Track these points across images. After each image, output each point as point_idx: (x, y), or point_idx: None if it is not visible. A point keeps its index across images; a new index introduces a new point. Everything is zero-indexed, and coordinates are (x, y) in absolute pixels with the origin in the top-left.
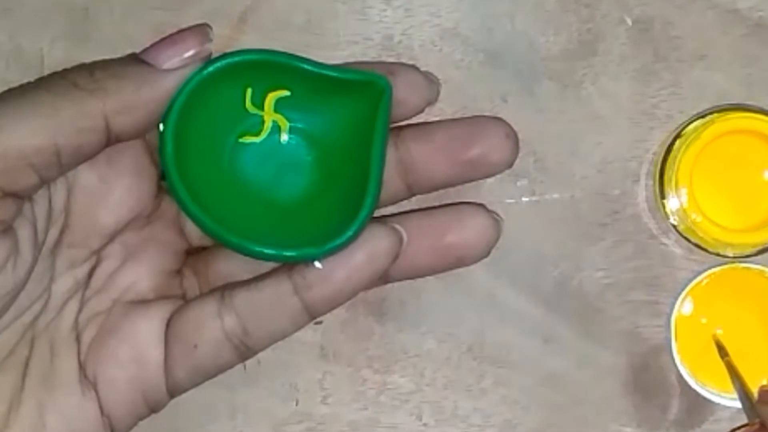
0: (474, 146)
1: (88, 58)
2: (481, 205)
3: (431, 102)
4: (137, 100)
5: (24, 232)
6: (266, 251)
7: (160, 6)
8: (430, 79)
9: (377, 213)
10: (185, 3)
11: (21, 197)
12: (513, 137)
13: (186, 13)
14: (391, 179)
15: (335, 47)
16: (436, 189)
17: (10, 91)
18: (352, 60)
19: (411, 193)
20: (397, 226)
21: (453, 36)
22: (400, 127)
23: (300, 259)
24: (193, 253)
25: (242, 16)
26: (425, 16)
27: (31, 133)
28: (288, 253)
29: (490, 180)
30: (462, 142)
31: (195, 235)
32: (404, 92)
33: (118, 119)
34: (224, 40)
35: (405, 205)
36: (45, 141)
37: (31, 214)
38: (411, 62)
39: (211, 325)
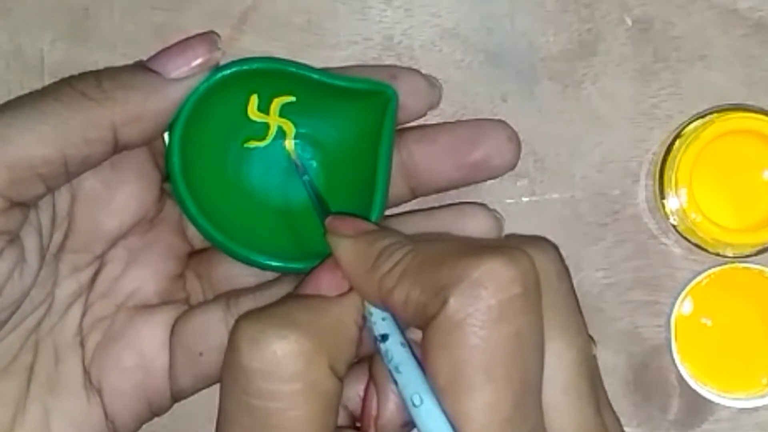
0: (476, 149)
1: (88, 58)
2: (482, 204)
3: (433, 106)
4: (145, 110)
5: (30, 241)
6: (273, 263)
7: (160, 6)
8: (432, 83)
9: None
10: (185, 3)
11: (27, 206)
12: (515, 140)
13: (186, 14)
14: (394, 182)
15: (335, 47)
16: (439, 191)
17: (18, 99)
18: (352, 60)
19: (414, 196)
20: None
21: (453, 36)
22: (403, 130)
23: (307, 271)
24: (195, 256)
25: (242, 16)
26: (425, 16)
27: (39, 144)
28: (295, 266)
29: (490, 180)
30: (464, 145)
31: (197, 238)
32: (406, 97)
33: (126, 129)
34: (224, 40)
35: (405, 205)
36: (53, 151)
37: (36, 221)
38: (411, 62)
39: (216, 333)
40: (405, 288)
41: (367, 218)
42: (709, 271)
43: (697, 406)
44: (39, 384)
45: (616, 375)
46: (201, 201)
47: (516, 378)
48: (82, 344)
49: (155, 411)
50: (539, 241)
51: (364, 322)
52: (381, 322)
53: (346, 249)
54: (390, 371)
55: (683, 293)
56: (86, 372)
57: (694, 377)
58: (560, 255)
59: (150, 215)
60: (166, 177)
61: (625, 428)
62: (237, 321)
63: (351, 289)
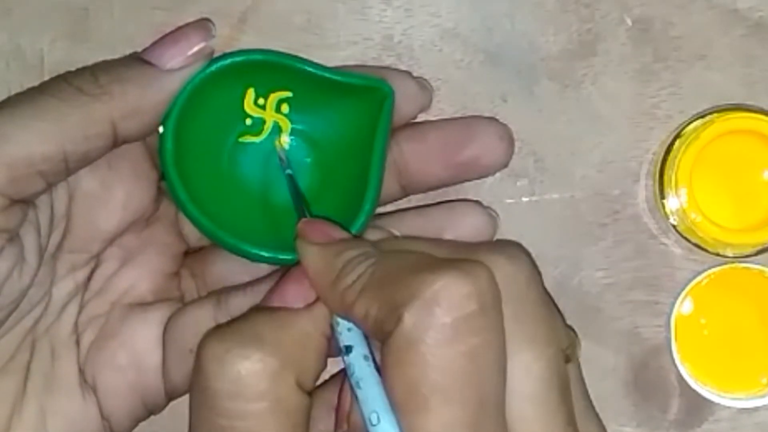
0: (467, 148)
1: (88, 58)
2: (476, 202)
3: (424, 108)
4: (143, 103)
5: (29, 240)
6: (263, 254)
7: (160, 6)
8: (423, 85)
9: None
10: (185, 3)
11: (27, 203)
12: (507, 138)
13: (186, 13)
14: (386, 180)
15: (335, 47)
16: (430, 190)
17: (15, 97)
18: (351, 60)
19: (405, 194)
20: (394, 231)
21: (453, 36)
22: (395, 127)
23: (296, 263)
24: (190, 255)
25: (242, 16)
26: (425, 16)
27: (39, 141)
28: (284, 257)
29: (490, 180)
30: (455, 143)
31: (193, 236)
32: (397, 100)
33: (125, 123)
34: (224, 40)
35: (402, 203)
36: (53, 148)
37: (35, 220)
38: (411, 62)
39: (206, 330)
40: (365, 303)
41: (358, 215)
42: (709, 271)
43: (697, 406)
44: (35, 383)
45: (616, 375)
46: (193, 190)
47: (472, 397)
48: (77, 343)
49: (150, 409)
50: (508, 247)
51: (332, 332)
52: (346, 333)
53: (312, 258)
54: (351, 386)
55: (683, 293)
56: (81, 370)
57: (694, 377)
58: (532, 261)
59: (147, 214)
60: (162, 176)
61: (625, 428)
62: (203, 339)
63: (318, 298)
